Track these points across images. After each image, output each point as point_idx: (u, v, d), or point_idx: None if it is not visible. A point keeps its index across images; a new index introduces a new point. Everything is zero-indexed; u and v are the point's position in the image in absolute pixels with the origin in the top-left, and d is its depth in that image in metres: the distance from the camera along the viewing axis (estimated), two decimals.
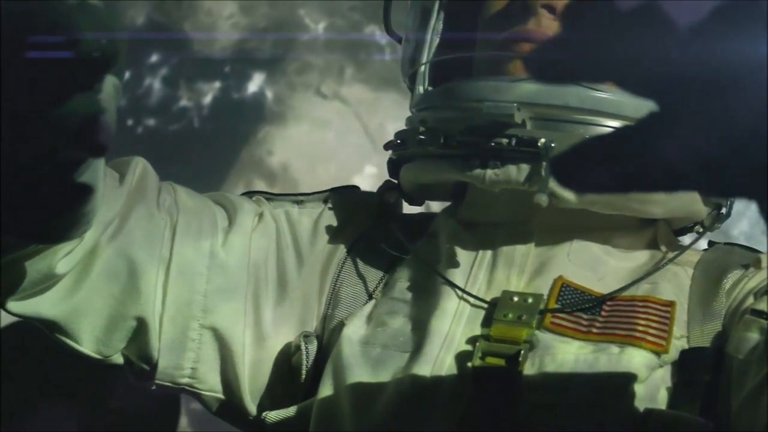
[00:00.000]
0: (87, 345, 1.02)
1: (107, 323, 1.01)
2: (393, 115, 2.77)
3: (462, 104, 1.03)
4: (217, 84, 2.39)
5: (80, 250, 0.95)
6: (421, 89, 1.12)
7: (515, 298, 0.97)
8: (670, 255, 1.05)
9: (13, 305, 0.95)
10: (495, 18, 1.07)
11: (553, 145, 0.96)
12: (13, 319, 0.95)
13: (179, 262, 1.03)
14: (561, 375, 0.93)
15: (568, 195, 0.98)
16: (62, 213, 0.72)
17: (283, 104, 2.53)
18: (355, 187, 1.19)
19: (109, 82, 0.63)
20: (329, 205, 1.15)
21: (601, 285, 1.00)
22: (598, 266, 1.02)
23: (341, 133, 2.54)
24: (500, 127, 0.98)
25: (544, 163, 0.97)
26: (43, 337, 2.31)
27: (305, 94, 2.55)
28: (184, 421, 2.34)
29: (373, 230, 1.13)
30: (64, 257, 0.93)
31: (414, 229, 1.13)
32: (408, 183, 1.12)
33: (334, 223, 1.13)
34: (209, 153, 2.35)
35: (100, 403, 2.26)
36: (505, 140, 0.98)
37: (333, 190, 1.17)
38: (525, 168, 0.98)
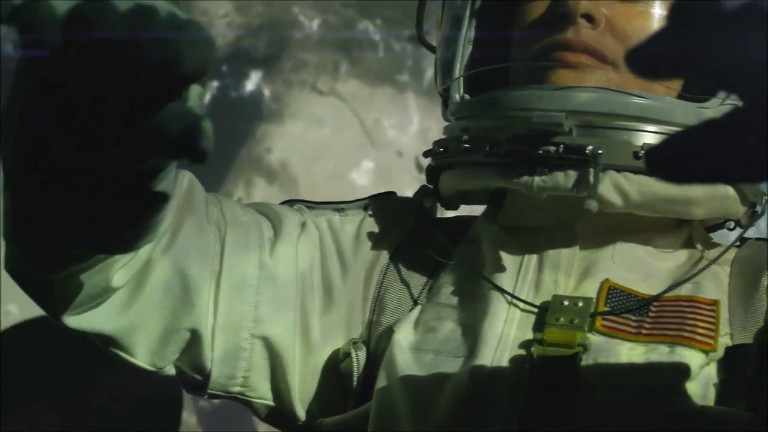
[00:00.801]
0: (141, 358, 1.03)
1: (161, 336, 1.02)
2: (388, 110, 2.79)
3: (507, 113, 1.05)
4: (215, 83, 2.40)
5: (135, 262, 0.97)
6: (457, 97, 1.14)
7: (566, 302, 0.99)
8: (707, 253, 1.08)
9: (70, 320, 0.96)
10: (532, 26, 1.09)
11: (600, 151, 0.98)
12: None
13: (229, 274, 1.04)
14: (616, 375, 0.95)
15: (616, 200, 1.00)
16: (139, 222, 0.73)
17: (280, 102, 2.54)
18: (393, 193, 1.21)
19: (195, 90, 0.65)
20: (369, 212, 1.17)
21: (645, 286, 1.02)
22: (642, 267, 1.04)
23: (338, 129, 2.56)
24: (548, 135, 1.00)
25: (592, 169, 0.99)
26: (25, 336, 2.31)
27: (301, 91, 2.56)
28: (192, 420, 2.35)
29: (414, 236, 1.15)
30: (119, 270, 0.94)
31: (453, 234, 1.15)
32: (449, 189, 1.14)
33: (376, 229, 1.15)
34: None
35: (82, 401, 2.26)
36: (552, 148, 1.00)
37: (372, 197, 1.19)
38: (572, 174, 1.00)
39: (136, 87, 0.60)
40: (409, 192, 2.80)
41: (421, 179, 2.86)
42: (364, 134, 2.70)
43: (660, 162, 0.55)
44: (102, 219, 0.71)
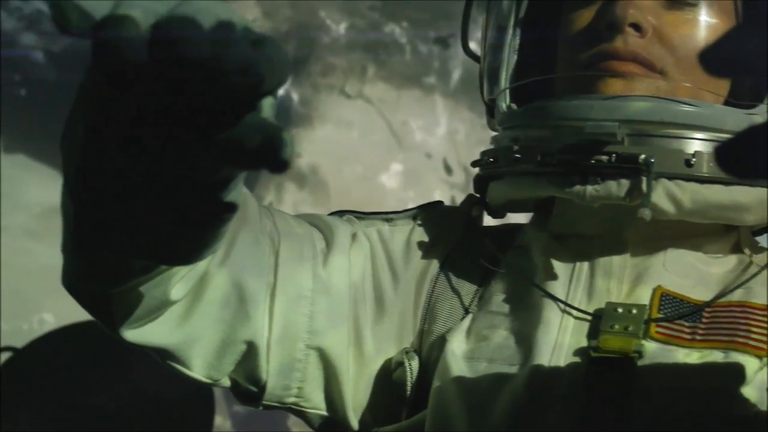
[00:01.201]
0: (198, 371, 1.04)
1: (218, 348, 1.03)
2: (415, 112, 2.79)
3: (558, 123, 1.05)
4: None
5: (193, 275, 0.97)
6: (504, 106, 1.14)
7: (619, 309, 1.00)
8: (756, 258, 1.08)
9: (128, 334, 0.96)
10: (579, 35, 1.09)
11: (652, 160, 0.99)
12: None
13: (284, 285, 1.05)
14: (672, 379, 0.96)
15: (668, 208, 1.01)
16: (207, 233, 0.73)
17: (308, 106, 2.56)
18: (440, 203, 1.22)
19: (268, 100, 0.65)
20: (419, 222, 1.17)
21: (696, 292, 1.03)
22: (693, 273, 1.05)
23: (366, 132, 2.57)
24: (600, 144, 1.00)
25: (644, 178, 0.99)
26: (61, 343, 2.32)
27: (330, 95, 2.57)
28: (227, 425, 2.36)
29: (463, 245, 1.15)
30: (177, 283, 0.95)
31: (501, 242, 1.15)
32: (499, 199, 1.14)
33: (426, 239, 1.15)
34: None
35: (111, 406, 2.28)
36: (604, 157, 1.00)
37: (421, 207, 1.19)
38: (625, 183, 1.01)
39: (216, 101, 0.61)
40: (438, 193, 2.82)
41: (449, 180, 2.87)
42: (392, 137, 2.70)
43: (731, 158, 0.55)
44: (170, 230, 0.71)
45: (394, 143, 2.64)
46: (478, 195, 1.18)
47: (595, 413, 0.96)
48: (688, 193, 1.01)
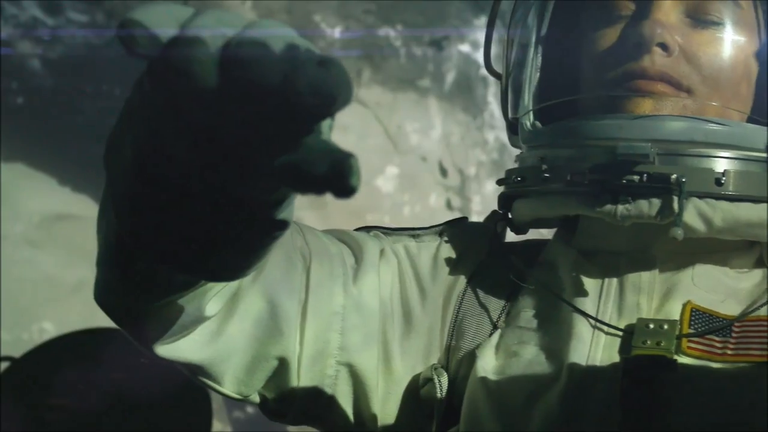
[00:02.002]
0: (228, 386, 1.04)
1: (249, 364, 1.03)
2: (411, 115, 2.80)
3: (587, 142, 1.05)
4: None
5: (227, 291, 0.97)
6: (528, 124, 1.14)
7: (651, 325, 1.00)
8: None
9: (161, 349, 0.96)
10: (605, 54, 1.09)
11: (684, 180, 0.99)
12: None
13: (315, 302, 1.05)
14: (706, 394, 0.96)
15: (699, 226, 1.01)
16: (256, 250, 0.73)
17: None
18: (465, 219, 1.22)
19: (326, 122, 0.65)
20: (445, 238, 1.17)
21: (725, 307, 1.03)
22: (721, 288, 1.05)
23: (362, 136, 2.58)
24: (631, 164, 1.01)
25: (676, 197, 1.00)
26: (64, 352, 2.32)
27: None
28: (227, 431, 2.37)
29: (489, 261, 1.16)
30: (212, 299, 0.95)
31: (527, 258, 1.16)
32: (525, 216, 1.14)
33: (453, 255, 1.15)
34: None
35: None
36: (636, 177, 1.01)
37: (447, 223, 1.19)
38: (656, 202, 1.01)
39: (281, 122, 0.61)
40: (433, 196, 2.83)
41: (444, 183, 2.89)
42: (388, 140, 2.72)
43: None
44: (220, 246, 0.71)
45: (389, 147, 2.65)
46: (501, 212, 1.18)
47: (632, 428, 0.96)
48: (719, 212, 1.02)
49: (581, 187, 1.04)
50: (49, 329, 2.30)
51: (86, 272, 2.26)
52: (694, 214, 1.01)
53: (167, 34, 0.60)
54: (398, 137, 2.75)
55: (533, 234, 1.24)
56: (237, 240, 0.70)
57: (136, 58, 0.62)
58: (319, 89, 0.57)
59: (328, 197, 0.70)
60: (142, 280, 0.82)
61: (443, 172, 2.79)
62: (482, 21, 2.74)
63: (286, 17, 2.52)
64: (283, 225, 0.69)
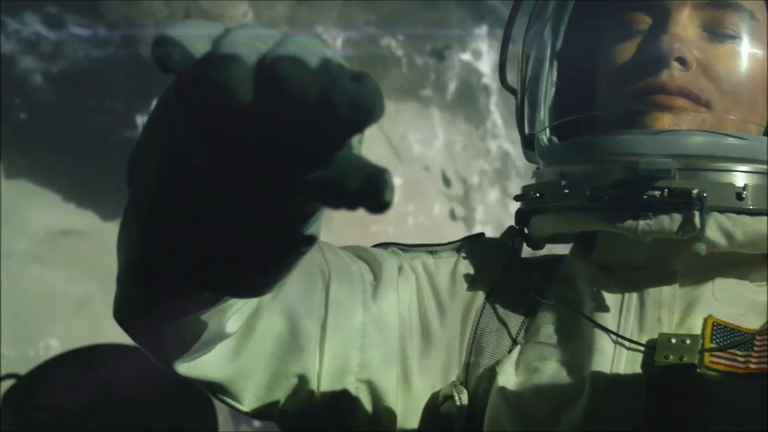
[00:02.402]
0: (248, 404, 1.03)
1: (269, 382, 1.03)
2: (413, 125, 2.80)
3: (608, 158, 1.05)
4: None
5: (247, 308, 0.96)
6: (545, 139, 1.14)
7: (673, 340, 1.00)
8: None
9: (181, 367, 0.95)
10: (623, 68, 1.09)
11: (705, 195, 0.99)
12: None
13: (335, 318, 1.05)
14: (733, 407, 0.96)
15: (721, 241, 1.01)
16: (283, 265, 0.72)
17: None
18: (482, 234, 1.21)
19: (356, 138, 0.64)
20: (463, 254, 1.16)
21: (746, 320, 1.03)
22: (741, 302, 1.05)
23: (365, 146, 2.55)
24: (652, 180, 1.00)
25: (697, 212, 0.99)
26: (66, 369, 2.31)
27: None
28: None
29: (507, 276, 1.15)
30: (233, 316, 0.94)
31: (545, 273, 1.15)
32: (544, 232, 1.14)
33: (471, 271, 1.15)
34: None
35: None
36: (657, 192, 1.00)
37: (464, 239, 1.19)
38: (677, 218, 1.00)
39: (315, 138, 0.60)
40: (437, 206, 2.83)
41: (448, 193, 2.88)
42: (391, 150, 2.72)
43: None
44: (247, 262, 0.70)
45: (393, 157, 2.65)
46: (518, 227, 1.17)
47: None
48: (740, 226, 1.01)
49: (601, 203, 1.03)
50: (55, 345, 2.29)
51: (91, 288, 2.25)
52: (715, 228, 1.01)
53: (201, 52, 0.60)
54: (401, 147, 2.74)
55: (548, 249, 1.24)
56: (264, 256, 0.69)
57: (171, 75, 0.61)
58: (356, 103, 0.57)
59: (331, 211, 0.69)
60: (166, 297, 0.82)
61: (446, 181, 2.79)
62: (483, 30, 2.75)
63: (287, 27, 2.51)
64: (311, 240, 0.69)
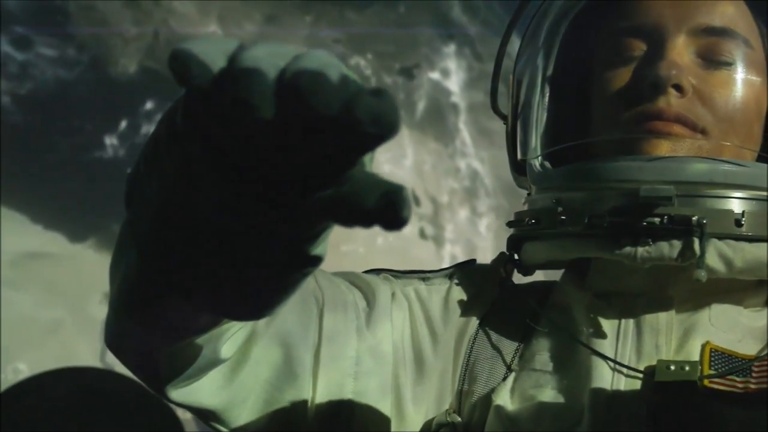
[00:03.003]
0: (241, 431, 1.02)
1: (262, 408, 1.02)
2: (383, 145, 2.77)
3: (605, 185, 1.05)
4: None
5: (242, 334, 0.95)
6: (537, 165, 1.14)
7: (672, 367, 1.00)
8: None
9: (175, 394, 0.94)
10: (618, 94, 1.09)
11: (705, 221, 0.99)
12: None
13: (329, 345, 1.04)
14: (731, 421, 0.96)
15: (720, 267, 1.01)
16: (288, 286, 0.71)
17: None
18: (474, 261, 1.21)
19: (367, 155, 0.64)
20: (455, 281, 1.16)
21: (742, 346, 1.03)
22: (737, 328, 1.05)
23: None
24: (652, 207, 1.00)
25: (697, 239, 1.00)
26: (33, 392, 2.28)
27: None
28: None
29: (499, 303, 1.15)
30: (227, 341, 0.93)
31: (537, 299, 1.15)
32: (538, 259, 1.14)
33: (464, 297, 1.14)
34: None
35: None
36: (656, 219, 1.01)
37: (456, 266, 1.19)
38: (677, 244, 1.01)
39: (329, 154, 0.59)
40: (408, 228, 2.80)
41: (418, 212, 2.87)
42: None
43: None
44: (251, 284, 0.69)
45: None
46: (509, 253, 1.17)
47: None
48: (740, 253, 1.02)
49: (599, 230, 1.03)
50: (24, 370, 2.25)
51: (62, 312, 2.22)
52: (714, 255, 1.01)
53: (218, 66, 0.59)
54: (370, 167, 2.74)
55: (536, 275, 1.24)
56: (269, 276, 0.68)
57: (190, 91, 0.60)
58: (379, 118, 0.57)
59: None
60: (163, 321, 0.81)
61: (416, 200, 2.78)
62: (452, 48, 2.74)
63: None
64: (317, 261, 0.68)
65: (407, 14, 2.73)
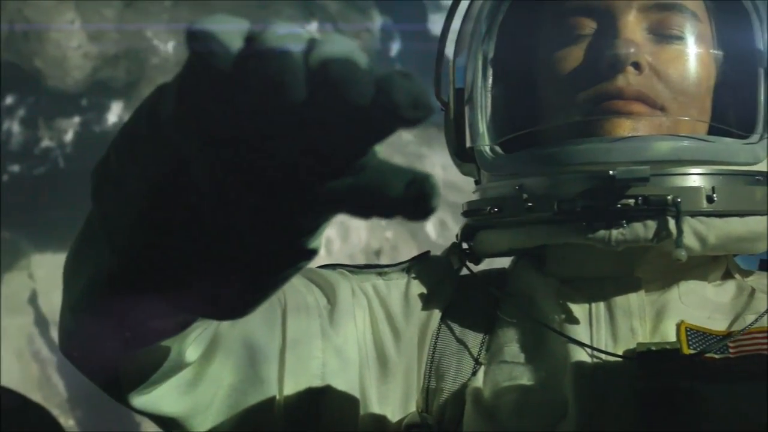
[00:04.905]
0: None
1: (227, 413, 0.97)
2: None
3: (576, 168, 1.02)
4: (77, 119, 2.28)
5: (206, 335, 0.90)
6: (487, 151, 1.10)
7: (652, 348, 0.99)
8: (748, 282, 1.09)
9: (137, 401, 0.88)
10: (574, 74, 1.06)
11: (679, 200, 0.98)
12: None
13: (294, 345, 0.99)
14: (730, 408, 0.96)
15: (695, 245, 1.00)
16: (277, 282, 0.68)
17: None
18: (428, 253, 1.18)
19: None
20: (413, 274, 1.12)
21: (711, 323, 1.03)
22: (706, 304, 1.05)
23: None
24: (626, 188, 0.99)
25: (672, 219, 0.98)
26: None
27: None
28: None
29: (460, 295, 1.12)
30: (192, 344, 0.88)
31: (496, 288, 1.13)
32: (500, 247, 1.11)
33: (424, 291, 1.11)
34: (79, 191, 2.25)
35: None
36: (631, 201, 0.99)
37: (413, 260, 1.15)
38: (651, 225, 0.99)
39: (348, 141, 0.57)
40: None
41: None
42: None
43: None
44: (240, 281, 0.65)
45: None
46: (463, 243, 1.14)
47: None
48: (713, 229, 1.01)
49: (571, 215, 1.01)
50: None
51: None
52: (690, 233, 1.00)
53: (236, 48, 0.55)
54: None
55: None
56: (260, 272, 0.65)
57: (205, 72, 0.56)
58: (418, 101, 0.54)
59: None
60: (134, 323, 0.75)
61: None
62: (313, 28, 2.70)
63: (116, 35, 2.40)
64: (312, 254, 0.65)
65: None
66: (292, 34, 0.56)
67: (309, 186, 0.59)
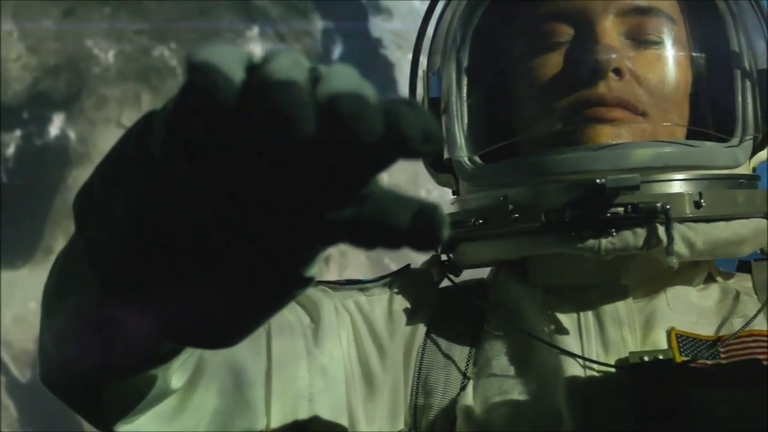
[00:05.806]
0: None
1: None
2: None
3: (558, 178, 1.01)
4: (18, 132, 2.23)
5: (191, 361, 0.88)
6: (466, 162, 1.09)
7: (645, 358, 0.98)
8: (730, 285, 1.09)
9: (120, 429, 0.86)
10: (553, 81, 1.05)
11: (668, 207, 0.97)
12: None
13: (280, 367, 0.97)
14: (725, 413, 0.96)
15: (684, 251, 0.99)
16: (272, 310, 0.66)
17: (86, 143, 2.40)
18: (409, 266, 1.15)
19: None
20: (395, 289, 1.10)
21: (698, 327, 1.02)
22: (693, 310, 1.04)
23: None
24: (615, 196, 0.98)
25: (661, 226, 0.97)
26: None
27: (106, 128, 2.43)
28: None
29: (444, 308, 1.10)
30: (177, 371, 0.86)
31: (480, 300, 1.11)
32: (484, 259, 1.09)
33: (407, 306, 1.09)
34: (22, 207, 2.20)
35: None
36: (620, 209, 0.98)
37: (394, 274, 1.13)
38: (641, 232, 0.98)
39: (350, 171, 0.55)
40: None
41: None
42: None
43: None
44: (236, 310, 0.63)
45: None
46: (443, 255, 1.12)
47: None
48: (701, 234, 1.00)
49: (559, 225, 1.00)
50: None
51: None
52: (678, 239, 0.99)
53: (238, 79, 0.53)
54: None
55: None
56: (254, 301, 0.63)
57: (202, 105, 0.54)
58: (429, 132, 0.53)
59: None
60: (122, 352, 0.73)
61: None
62: (254, 32, 2.67)
63: (56, 45, 2.35)
64: (309, 282, 0.63)
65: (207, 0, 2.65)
66: (295, 64, 0.54)
67: (308, 217, 0.57)
